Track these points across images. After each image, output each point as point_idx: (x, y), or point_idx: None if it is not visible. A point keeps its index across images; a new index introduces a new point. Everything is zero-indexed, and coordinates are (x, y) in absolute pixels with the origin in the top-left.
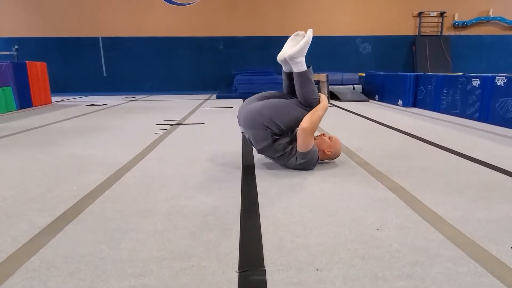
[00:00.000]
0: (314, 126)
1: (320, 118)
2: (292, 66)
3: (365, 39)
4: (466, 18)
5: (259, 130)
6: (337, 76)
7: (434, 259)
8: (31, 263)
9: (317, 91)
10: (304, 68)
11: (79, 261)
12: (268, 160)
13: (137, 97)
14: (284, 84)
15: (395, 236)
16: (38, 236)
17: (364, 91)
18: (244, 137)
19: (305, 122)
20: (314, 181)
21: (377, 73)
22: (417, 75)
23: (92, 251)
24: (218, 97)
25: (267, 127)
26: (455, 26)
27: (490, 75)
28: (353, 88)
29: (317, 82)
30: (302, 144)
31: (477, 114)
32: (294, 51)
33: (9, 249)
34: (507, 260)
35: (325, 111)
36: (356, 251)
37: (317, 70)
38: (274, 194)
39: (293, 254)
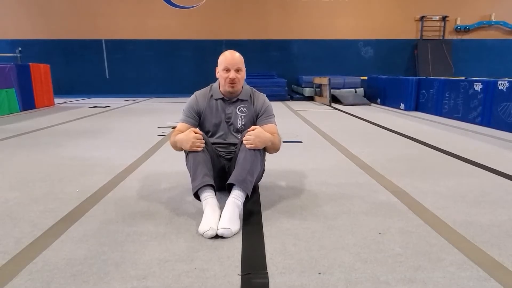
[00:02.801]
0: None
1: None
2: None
3: (367, 42)
4: (468, 22)
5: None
6: (339, 79)
7: (436, 263)
8: (34, 265)
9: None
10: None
11: (81, 263)
12: (269, 164)
13: (139, 99)
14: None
15: (397, 240)
16: (41, 238)
17: (366, 95)
18: None
19: (278, 144)
20: (315, 184)
21: (379, 76)
22: (419, 79)
23: (94, 253)
24: None
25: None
26: (457, 30)
27: (492, 79)
28: (355, 92)
29: (319, 86)
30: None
31: (479, 119)
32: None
33: (12, 251)
34: (510, 265)
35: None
36: (358, 255)
37: (319, 73)
38: (276, 197)
39: (295, 257)
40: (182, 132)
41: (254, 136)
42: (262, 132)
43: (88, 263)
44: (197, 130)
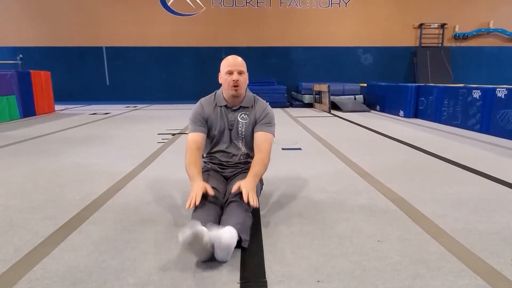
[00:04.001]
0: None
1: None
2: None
3: (366, 50)
4: (467, 29)
5: None
6: (339, 86)
7: (435, 271)
8: (34, 273)
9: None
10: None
11: (81, 271)
12: (269, 171)
13: (139, 106)
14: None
15: (396, 248)
16: (41, 246)
17: (365, 102)
18: None
19: (266, 167)
20: (314, 192)
21: (378, 83)
22: (418, 86)
23: (94, 261)
24: None
25: None
26: (456, 37)
27: (490, 86)
28: (355, 99)
29: (319, 93)
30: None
31: (478, 126)
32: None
33: (12, 258)
34: (508, 273)
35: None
36: (357, 262)
37: (318, 80)
38: (276, 204)
39: (294, 265)
40: (196, 143)
41: (249, 195)
42: (249, 183)
43: (88, 271)
44: (211, 190)
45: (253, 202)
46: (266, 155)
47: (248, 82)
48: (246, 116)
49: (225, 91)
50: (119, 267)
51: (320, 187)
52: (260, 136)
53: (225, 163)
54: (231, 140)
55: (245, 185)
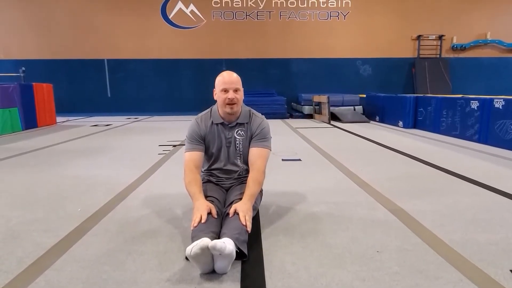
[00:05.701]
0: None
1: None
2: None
3: (365, 61)
4: (464, 41)
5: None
6: (338, 97)
7: (433, 281)
8: (36, 284)
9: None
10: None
11: (83, 282)
12: (268, 182)
13: (140, 117)
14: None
15: (395, 259)
16: (43, 257)
17: (364, 112)
18: None
19: (260, 185)
20: (314, 202)
21: (377, 94)
22: (417, 97)
23: (96, 272)
24: None
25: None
26: (454, 48)
27: (488, 97)
28: (354, 109)
29: (319, 103)
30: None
31: (476, 136)
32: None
33: (14, 270)
34: (506, 283)
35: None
36: (356, 273)
37: (318, 91)
38: (275, 215)
39: (294, 276)
40: (194, 162)
41: (246, 218)
42: (245, 205)
43: (90, 283)
44: (214, 212)
45: (248, 228)
46: (261, 173)
47: (244, 97)
48: (242, 132)
49: (220, 108)
50: (120, 278)
51: (320, 198)
52: (255, 153)
53: (224, 179)
54: (228, 158)
55: (241, 208)
